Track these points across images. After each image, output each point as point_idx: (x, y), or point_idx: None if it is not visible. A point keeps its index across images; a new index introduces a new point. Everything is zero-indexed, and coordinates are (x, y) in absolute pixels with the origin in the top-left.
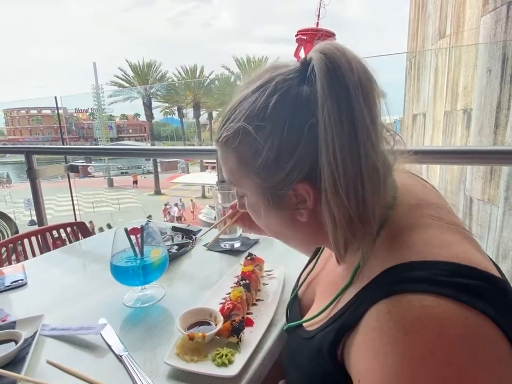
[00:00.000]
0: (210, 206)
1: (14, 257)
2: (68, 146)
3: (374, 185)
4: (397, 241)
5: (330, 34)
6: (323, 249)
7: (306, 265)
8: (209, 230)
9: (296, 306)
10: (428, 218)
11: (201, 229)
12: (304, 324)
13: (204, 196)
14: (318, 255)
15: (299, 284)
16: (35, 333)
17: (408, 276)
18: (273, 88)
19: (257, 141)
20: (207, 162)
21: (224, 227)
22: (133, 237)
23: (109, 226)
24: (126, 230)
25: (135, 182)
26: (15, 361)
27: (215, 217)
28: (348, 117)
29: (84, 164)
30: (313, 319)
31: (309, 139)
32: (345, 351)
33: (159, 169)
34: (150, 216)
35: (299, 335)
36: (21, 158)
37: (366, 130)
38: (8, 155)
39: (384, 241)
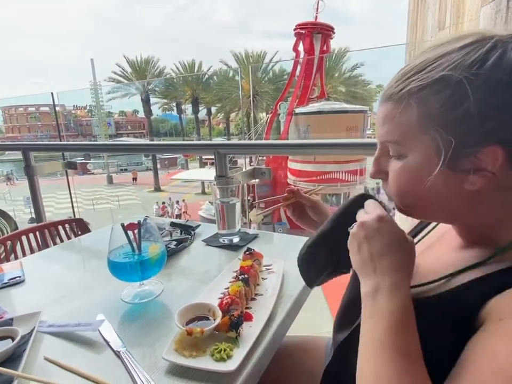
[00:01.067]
0: (210, 202)
1: (12, 254)
2: (65, 142)
3: None
4: None
5: (329, 28)
6: (428, 232)
7: None
8: (262, 201)
9: None
10: None
11: (199, 224)
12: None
13: (203, 192)
14: (421, 237)
15: None
16: (32, 330)
17: None
18: (493, 45)
19: (461, 93)
20: (206, 159)
21: (275, 206)
22: (131, 233)
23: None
24: (123, 225)
25: (135, 178)
26: (12, 358)
27: (214, 214)
28: None
29: (83, 161)
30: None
31: None
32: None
33: (158, 166)
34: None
35: None
36: (20, 155)
37: None
38: (7, 153)
39: None
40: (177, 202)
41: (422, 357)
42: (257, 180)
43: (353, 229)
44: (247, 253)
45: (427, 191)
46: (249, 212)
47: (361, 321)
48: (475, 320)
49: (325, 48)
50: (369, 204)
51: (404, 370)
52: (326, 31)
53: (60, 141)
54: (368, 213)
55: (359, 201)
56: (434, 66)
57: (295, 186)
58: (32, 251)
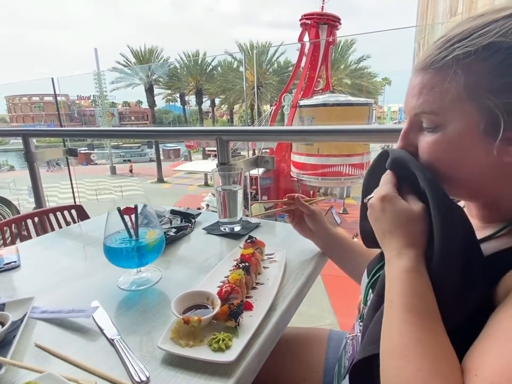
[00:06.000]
0: (212, 194)
1: (9, 239)
2: (65, 128)
3: None
4: None
5: (335, 19)
6: None
7: None
8: (265, 201)
9: None
10: None
11: (200, 212)
12: None
13: (206, 184)
14: None
15: None
16: (24, 316)
17: None
18: None
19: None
20: (209, 151)
21: (274, 210)
22: (127, 219)
23: None
24: (119, 209)
25: (131, 170)
26: (1, 345)
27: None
28: None
29: (87, 151)
30: None
31: None
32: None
33: (161, 157)
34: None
35: None
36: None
37: None
38: (11, 141)
39: None
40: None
41: (437, 317)
42: (260, 172)
43: (368, 209)
44: (249, 241)
45: (463, 162)
46: (251, 205)
47: None
48: (492, 291)
49: (330, 39)
50: (383, 177)
51: (416, 325)
52: (332, 22)
53: (61, 126)
54: (377, 189)
55: (382, 161)
56: (481, 33)
57: (298, 180)
58: (30, 237)
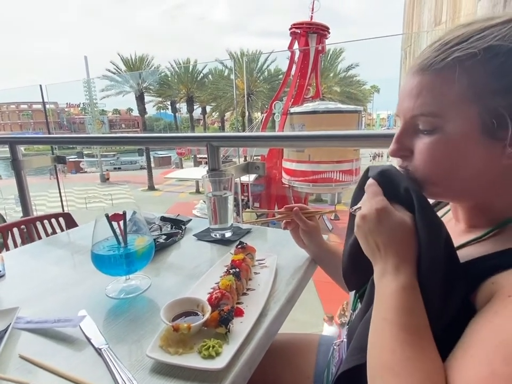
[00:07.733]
0: (204, 201)
1: None
2: (53, 135)
3: None
4: None
5: (324, 28)
6: None
7: None
8: (255, 211)
9: None
10: None
11: (191, 219)
12: None
13: (198, 191)
14: None
15: None
16: (8, 326)
17: None
18: None
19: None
20: (200, 158)
21: (268, 219)
22: (116, 225)
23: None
24: (107, 216)
25: (108, 179)
26: None
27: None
28: None
29: (76, 159)
30: None
31: None
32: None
33: (152, 165)
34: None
35: None
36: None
37: None
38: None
39: None
40: None
41: (427, 333)
42: (251, 179)
43: (357, 220)
44: (239, 246)
45: (461, 164)
46: (242, 212)
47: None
48: (473, 295)
49: (320, 48)
50: (367, 188)
51: (407, 343)
52: (321, 31)
53: (49, 133)
54: (367, 201)
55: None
56: (479, 37)
57: (290, 186)
58: (16, 245)
